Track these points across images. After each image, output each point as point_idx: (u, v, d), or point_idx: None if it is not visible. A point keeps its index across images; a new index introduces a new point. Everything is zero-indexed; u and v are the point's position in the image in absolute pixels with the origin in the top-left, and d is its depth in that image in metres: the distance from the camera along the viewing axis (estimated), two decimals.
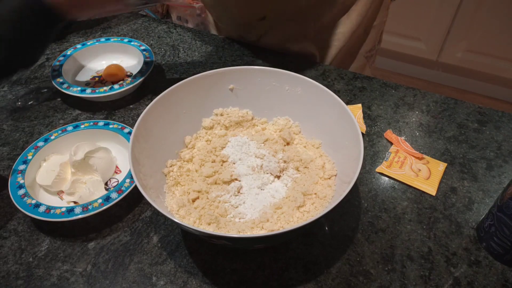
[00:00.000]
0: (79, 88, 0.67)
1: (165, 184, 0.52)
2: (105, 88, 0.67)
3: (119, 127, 0.60)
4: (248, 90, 0.58)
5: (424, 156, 0.59)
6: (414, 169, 0.57)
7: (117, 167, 0.59)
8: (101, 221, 0.52)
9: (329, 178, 0.51)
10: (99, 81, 0.74)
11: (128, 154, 0.45)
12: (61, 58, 0.73)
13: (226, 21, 0.83)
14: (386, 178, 0.57)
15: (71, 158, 0.54)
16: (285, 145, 0.57)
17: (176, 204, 0.48)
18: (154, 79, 0.75)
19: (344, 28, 0.77)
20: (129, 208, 0.54)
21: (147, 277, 0.47)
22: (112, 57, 0.78)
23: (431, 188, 0.55)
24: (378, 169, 0.58)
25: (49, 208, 0.49)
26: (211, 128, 0.58)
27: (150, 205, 0.40)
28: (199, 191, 0.50)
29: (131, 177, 0.52)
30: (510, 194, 0.43)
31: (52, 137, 0.59)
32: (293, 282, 0.46)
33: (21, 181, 0.53)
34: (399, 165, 0.58)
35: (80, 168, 0.55)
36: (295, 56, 0.79)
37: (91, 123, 0.61)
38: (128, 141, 0.47)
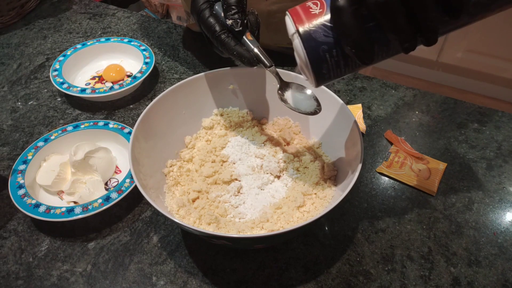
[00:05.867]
0: (79, 88, 0.67)
1: (165, 184, 0.52)
2: (105, 88, 0.67)
3: (119, 127, 0.60)
4: (248, 90, 0.58)
5: (424, 156, 0.59)
6: (414, 169, 0.57)
7: (117, 167, 0.59)
8: (101, 221, 0.52)
9: (329, 178, 0.51)
10: (99, 81, 0.74)
11: (128, 154, 0.45)
12: (61, 58, 0.73)
13: None
14: (386, 178, 0.57)
15: (71, 158, 0.54)
16: (285, 145, 0.57)
17: (176, 204, 0.48)
18: (154, 79, 0.75)
19: None
20: (129, 208, 0.54)
21: (147, 277, 0.47)
22: (112, 57, 0.78)
23: (431, 188, 0.55)
24: (378, 169, 0.58)
25: (49, 208, 0.49)
26: (211, 128, 0.58)
27: (150, 205, 0.40)
28: (199, 191, 0.50)
29: (131, 177, 0.52)
30: None
31: (52, 137, 0.59)
32: (293, 282, 0.46)
33: (21, 181, 0.53)
34: (399, 165, 0.58)
35: (80, 168, 0.55)
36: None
37: (91, 123, 0.61)
38: (128, 141, 0.47)
